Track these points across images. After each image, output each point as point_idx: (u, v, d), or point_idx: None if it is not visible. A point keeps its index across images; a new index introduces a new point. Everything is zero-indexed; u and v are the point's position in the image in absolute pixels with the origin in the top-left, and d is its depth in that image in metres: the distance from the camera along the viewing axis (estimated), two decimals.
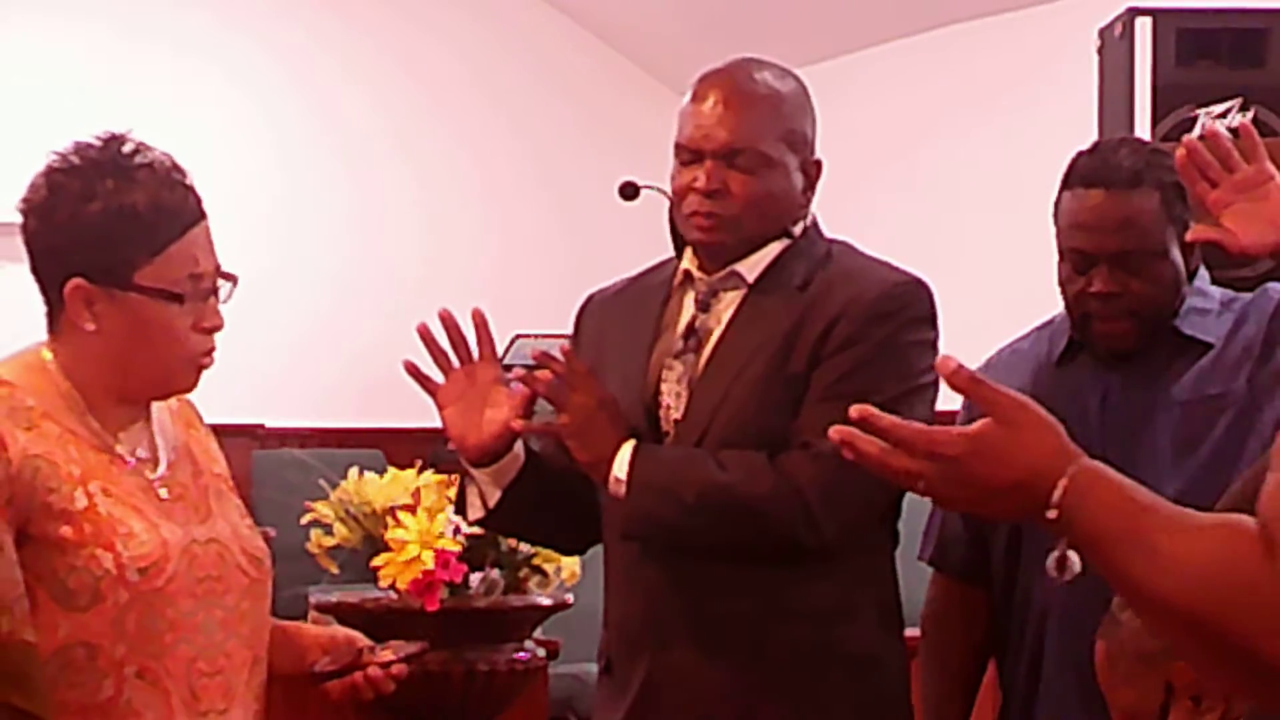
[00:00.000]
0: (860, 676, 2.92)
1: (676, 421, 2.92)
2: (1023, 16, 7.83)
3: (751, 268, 2.95)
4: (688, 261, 3.00)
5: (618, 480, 2.84)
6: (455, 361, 2.94)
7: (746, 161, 2.90)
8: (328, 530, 4.95)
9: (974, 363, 3.21)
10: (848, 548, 2.88)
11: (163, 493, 2.53)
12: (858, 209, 8.20)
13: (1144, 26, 4.79)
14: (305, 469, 5.32)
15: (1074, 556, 1.70)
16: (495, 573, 4.99)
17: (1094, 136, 4.71)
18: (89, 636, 2.42)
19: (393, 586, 4.84)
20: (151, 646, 2.44)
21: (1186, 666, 2.09)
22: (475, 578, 4.94)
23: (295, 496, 5.19)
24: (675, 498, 2.83)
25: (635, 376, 2.95)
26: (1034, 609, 3.06)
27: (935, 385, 2.92)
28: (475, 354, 2.93)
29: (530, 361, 2.91)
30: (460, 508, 3.03)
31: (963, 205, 7.97)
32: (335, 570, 5.04)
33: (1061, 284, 3.05)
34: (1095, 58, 4.98)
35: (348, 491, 4.95)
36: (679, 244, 3.04)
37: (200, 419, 2.70)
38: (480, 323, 2.92)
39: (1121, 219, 2.98)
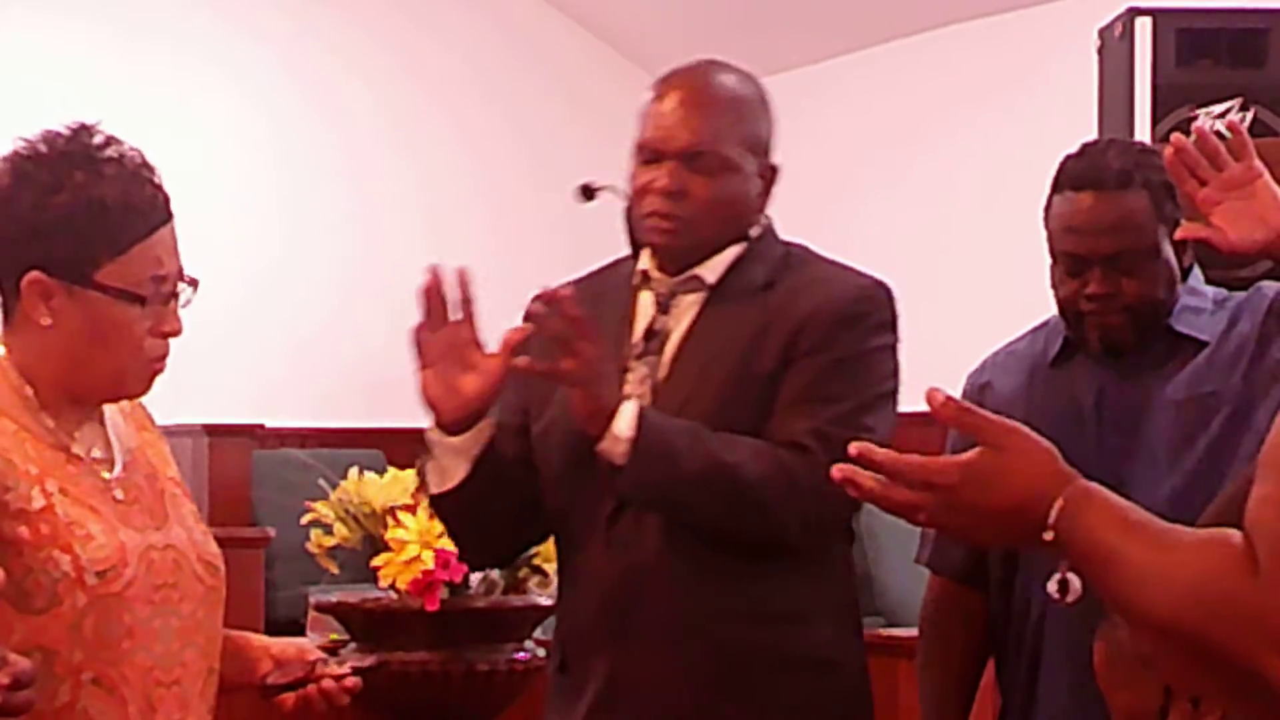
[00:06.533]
0: (817, 679, 2.90)
1: None
2: (1023, 16, 7.83)
3: (712, 270, 2.93)
4: (645, 262, 2.97)
5: (617, 438, 2.77)
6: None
7: (707, 164, 2.88)
8: (328, 530, 4.95)
9: (974, 363, 3.23)
10: (805, 549, 2.87)
11: (118, 494, 2.43)
12: (858, 209, 8.23)
13: (1144, 26, 4.79)
14: (305, 469, 5.32)
15: (1074, 578, 1.71)
16: (495, 573, 4.99)
17: (1094, 136, 4.71)
18: (46, 641, 2.32)
19: (393, 586, 4.84)
20: (109, 653, 2.35)
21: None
22: (475, 578, 4.94)
23: (295, 496, 5.20)
24: (679, 470, 2.79)
25: None
26: (1032, 611, 3.06)
27: (897, 390, 2.93)
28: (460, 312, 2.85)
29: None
30: (423, 483, 2.96)
31: (963, 206, 7.97)
32: (335, 570, 5.04)
33: (1054, 286, 3.05)
34: (1095, 58, 4.98)
35: (348, 491, 4.95)
36: (636, 244, 3.01)
37: (152, 421, 2.58)
38: (464, 283, 2.84)
39: (1113, 221, 2.98)
